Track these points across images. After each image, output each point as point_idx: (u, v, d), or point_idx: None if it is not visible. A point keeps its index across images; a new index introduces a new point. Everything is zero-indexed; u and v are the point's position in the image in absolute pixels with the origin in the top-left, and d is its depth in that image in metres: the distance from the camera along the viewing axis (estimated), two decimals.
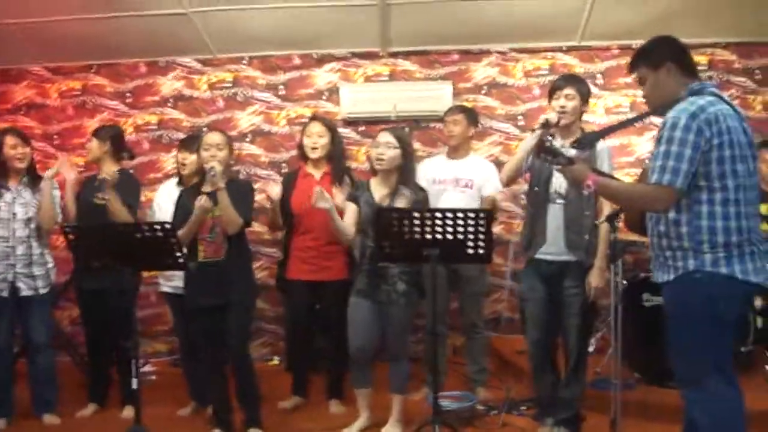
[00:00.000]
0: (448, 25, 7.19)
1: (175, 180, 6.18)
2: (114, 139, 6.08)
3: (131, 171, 6.53)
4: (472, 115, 6.36)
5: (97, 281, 5.45)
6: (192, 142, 5.87)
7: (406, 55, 7.66)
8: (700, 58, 7.39)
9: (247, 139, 7.72)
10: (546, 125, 4.63)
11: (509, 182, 5.48)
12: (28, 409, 5.96)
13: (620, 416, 4.76)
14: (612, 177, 4.32)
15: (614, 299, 4.40)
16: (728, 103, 3.81)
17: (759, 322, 5.74)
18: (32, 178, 5.90)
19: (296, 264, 5.97)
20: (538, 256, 5.16)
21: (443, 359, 6.29)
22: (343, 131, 7.32)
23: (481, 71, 7.65)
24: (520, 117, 7.62)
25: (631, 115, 7.27)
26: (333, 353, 5.91)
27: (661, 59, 3.90)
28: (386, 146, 5.27)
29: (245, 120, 7.78)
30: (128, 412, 5.99)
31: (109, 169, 5.89)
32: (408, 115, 7.24)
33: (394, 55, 7.65)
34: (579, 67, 7.43)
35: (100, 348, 6.16)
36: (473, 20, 7.11)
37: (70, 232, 4.81)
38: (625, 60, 7.20)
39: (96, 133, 6.13)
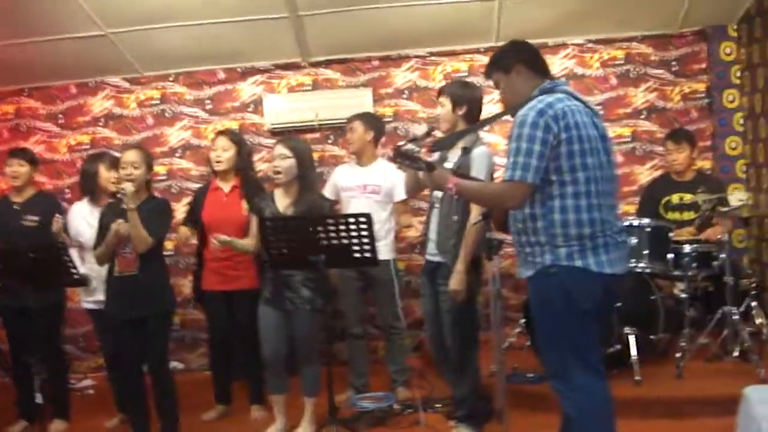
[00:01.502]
0: (365, 32, 7.17)
1: (84, 200, 6.14)
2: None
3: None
4: (369, 121, 6.29)
5: (18, 300, 5.32)
6: (108, 158, 5.87)
7: (328, 63, 7.62)
8: (616, 53, 7.45)
9: (177, 154, 7.70)
10: (414, 139, 4.55)
11: (410, 194, 5.53)
12: None
13: (510, 407, 4.78)
14: (477, 180, 4.30)
15: (493, 294, 4.35)
16: (579, 100, 3.84)
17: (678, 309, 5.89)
18: None
19: (209, 275, 5.98)
20: (426, 256, 5.30)
21: (362, 360, 6.27)
22: (270, 141, 7.33)
23: (402, 76, 7.61)
24: None
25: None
26: (251, 360, 5.85)
27: (511, 62, 3.94)
28: (281, 158, 5.29)
29: (174, 135, 7.75)
30: (57, 426, 6.03)
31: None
32: (330, 122, 7.19)
33: (316, 65, 7.62)
34: None
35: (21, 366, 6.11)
36: (390, 27, 7.08)
37: None
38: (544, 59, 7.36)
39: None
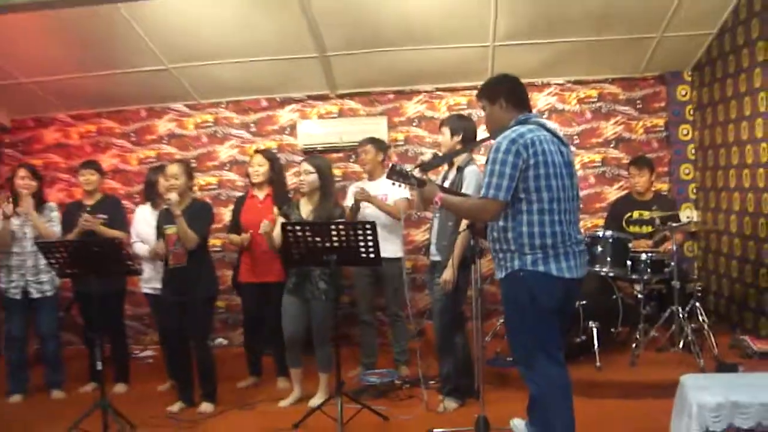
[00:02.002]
0: (383, 71, 7.13)
1: (146, 204, 6.17)
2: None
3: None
4: (379, 144, 6.28)
5: (88, 286, 5.23)
6: (163, 170, 5.84)
7: (351, 96, 7.57)
8: (591, 92, 7.37)
9: (226, 168, 7.68)
10: (422, 163, 4.48)
11: (419, 210, 5.51)
12: (40, 386, 6.01)
13: (491, 386, 4.92)
14: (462, 195, 4.23)
15: (474, 291, 4.29)
16: (549, 131, 3.78)
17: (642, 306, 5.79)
18: (38, 204, 5.88)
19: (245, 270, 5.93)
20: (430, 257, 5.25)
21: (372, 343, 6.22)
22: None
23: (412, 107, 7.54)
24: None
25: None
26: (276, 340, 5.79)
27: (497, 95, 3.90)
28: (305, 172, 5.30)
29: (224, 152, 7.72)
30: (119, 388, 6.03)
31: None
32: (352, 144, 7.11)
33: (342, 96, 7.56)
34: None
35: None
36: (403, 66, 7.03)
37: (41, 248, 4.78)
38: (530, 95, 7.07)
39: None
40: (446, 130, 5.11)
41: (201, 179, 7.70)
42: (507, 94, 3.86)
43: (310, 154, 7.37)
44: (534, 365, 3.69)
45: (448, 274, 4.86)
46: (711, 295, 6.85)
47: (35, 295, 5.81)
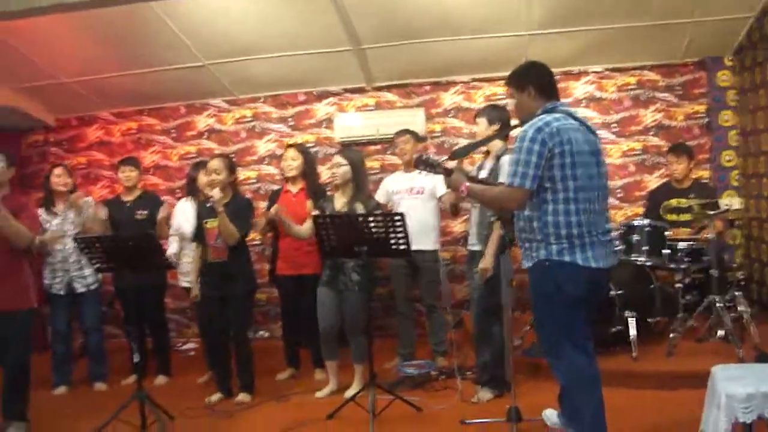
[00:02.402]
0: (419, 62, 7.11)
1: (186, 199, 6.26)
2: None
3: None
4: (415, 135, 6.31)
5: (128, 281, 5.32)
6: (204, 166, 5.90)
7: (388, 88, 7.58)
8: (629, 79, 7.26)
9: (265, 162, 7.76)
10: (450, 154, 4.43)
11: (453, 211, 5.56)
12: (84, 378, 6.17)
13: (526, 376, 5.10)
14: (495, 184, 4.20)
15: (504, 280, 4.28)
16: (577, 119, 3.74)
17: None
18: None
19: (281, 263, 5.99)
20: (468, 247, 5.25)
21: (409, 334, 6.21)
22: None
23: (449, 98, 7.53)
24: None
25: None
26: (314, 332, 5.83)
27: (526, 83, 3.86)
28: (338, 165, 5.31)
29: (263, 147, 7.81)
30: (160, 380, 6.14)
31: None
32: (389, 136, 7.09)
33: (379, 89, 7.59)
34: None
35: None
36: (439, 57, 7.01)
37: (80, 243, 4.88)
38: (568, 84, 7.24)
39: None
40: (483, 121, 5.10)
41: (240, 174, 7.76)
42: (535, 82, 3.82)
43: (347, 147, 7.47)
44: (561, 355, 3.68)
45: (486, 262, 4.83)
46: (754, 284, 6.71)
47: (80, 289, 5.96)
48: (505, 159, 4.85)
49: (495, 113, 5.09)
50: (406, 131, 6.28)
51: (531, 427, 4.28)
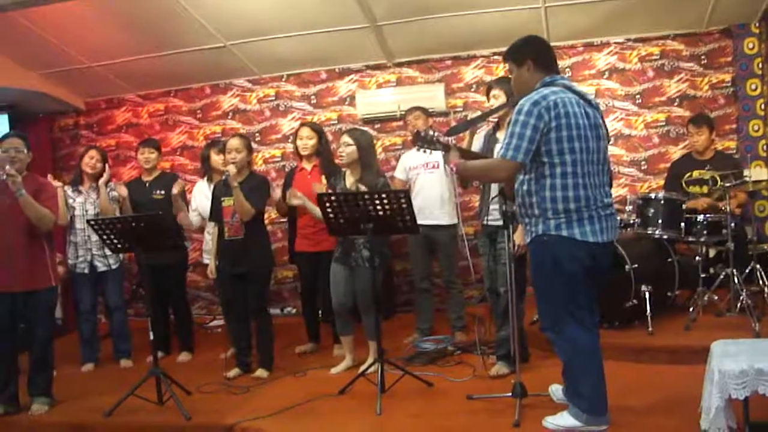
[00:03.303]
0: (439, 37, 7.04)
1: (203, 179, 6.33)
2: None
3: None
4: (427, 111, 6.29)
5: (149, 258, 5.36)
6: (220, 145, 5.94)
7: (409, 64, 7.55)
8: (652, 49, 7.10)
9: (290, 140, 7.70)
10: (418, 138, 4.17)
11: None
12: (110, 356, 6.28)
13: (539, 350, 5.05)
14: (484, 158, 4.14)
15: (508, 255, 4.22)
16: (577, 93, 3.70)
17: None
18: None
19: (300, 240, 6.01)
20: (486, 221, 5.00)
21: (428, 309, 6.23)
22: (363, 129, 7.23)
23: (470, 73, 7.46)
24: None
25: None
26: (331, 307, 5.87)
27: (524, 57, 3.81)
28: (345, 145, 5.29)
29: (286, 125, 7.83)
30: (183, 357, 6.24)
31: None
32: None
33: (400, 65, 7.55)
34: None
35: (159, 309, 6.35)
36: (458, 32, 6.92)
37: (93, 225, 4.96)
38: (590, 55, 7.11)
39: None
40: (500, 93, 4.92)
41: (265, 152, 7.87)
42: (534, 56, 3.77)
43: (370, 124, 7.48)
44: (561, 330, 3.66)
45: (520, 237, 4.62)
46: None
47: (102, 268, 6.05)
48: None
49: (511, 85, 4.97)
50: (417, 108, 6.28)
51: (537, 402, 4.24)
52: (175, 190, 6.08)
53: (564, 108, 3.52)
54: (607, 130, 3.83)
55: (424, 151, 4.07)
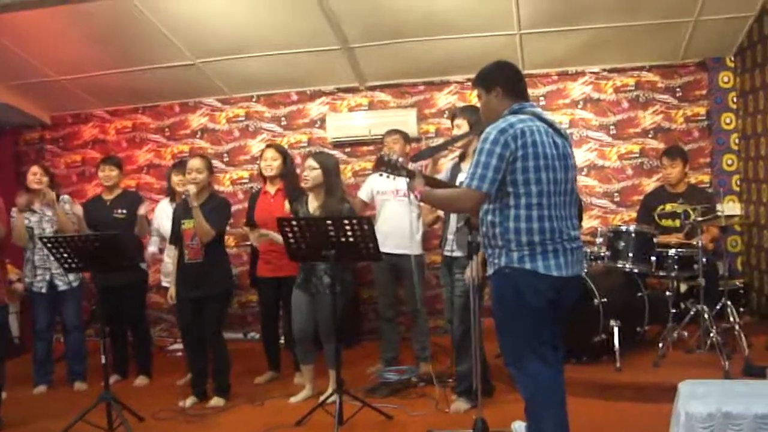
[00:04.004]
0: (412, 61, 6.95)
1: (166, 199, 6.18)
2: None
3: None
4: (406, 136, 6.14)
5: (105, 280, 5.19)
6: (182, 166, 5.81)
7: (381, 88, 7.44)
8: (628, 80, 7.05)
9: (258, 161, 7.54)
10: (381, 162, 4.01)
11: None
12: (65, 378, 6.07)
13: (503, 384, 4.83)
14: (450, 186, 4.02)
15: (472, 287, 4.10)
16: (545, 121, 3.55)
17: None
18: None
19: (262, 264, 5.87)
20: (444, 252, 4.95)
21: (392, 338, 6.07)
22: (333, 152, 7.09)
23: (443, 99, 7.37)
24: None
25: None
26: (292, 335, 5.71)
27: (493, 84, 3.66)
28: (309, 168, 5.16)
29: (256, 146, 7.67)
30: (140, 381, 6.07)
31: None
32: (381, 136, 6.90)
33: (372, 88, 7.45)
34: None
35: (117, 331, 6.22)
36: (432, 57, 6.84)
37: (47, 243, 4.78)
38: (564, 84, 7.05)
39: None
40: (463, 123, 4.86)
41: (233, 173, 7.72)
42: (503, 82, 3.62)
43: (340, 147, 7.36)
44: (522, 366, 3.49)
45: (477, 269, 4.55)
46: (754, 293, 6.46)
47: (62, 287, 5.86)
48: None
49: (475, 114, 4.84)
50: (396, 131, 6.14)
51: None
52: (141, 212, 5.91)
53: (531, 137, 3.38)
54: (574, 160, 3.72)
55: (387, 177, 3.93)
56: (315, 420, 4.71)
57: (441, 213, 5.26)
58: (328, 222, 4.46)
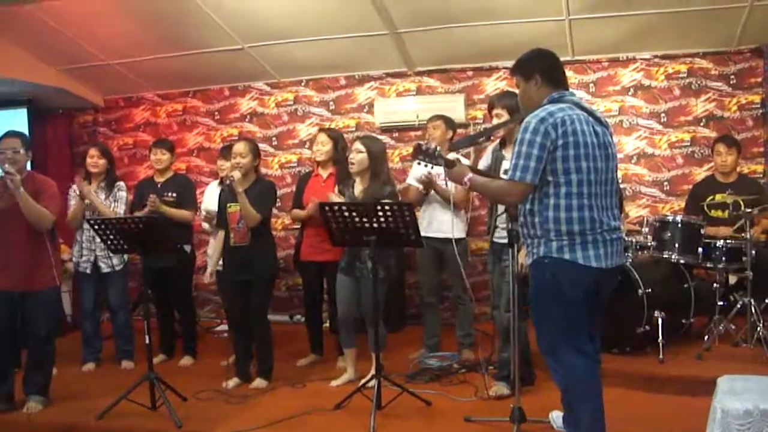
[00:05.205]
0: (461, 47, 6.91)
1: (215, 182, 6.28)
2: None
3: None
4: (449, 121, 6.06)
5: (151, 260, 5.30)
6: (228, 151, 5.89)
7: (430, 73, 7.43)
8: (680, 67, 6.90)
9: (306, 146, 7.68)
10: (419, 151, 4.00)
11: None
12: (113, 356, 6.23)
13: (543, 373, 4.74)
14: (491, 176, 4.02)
15: (511, 276, 4.10)
16: (586, 110, 3.54)
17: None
18: (108, 183, 6.05)
19: (306, 248, 5.92)
20: (494, 238, 4.93)
21: (434, 324, 6.07)
22: (381, 137, 7.08)
23: (492, 84, 7.32)
24: None
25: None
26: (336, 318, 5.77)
27: (532, 72, 3.65)
28: (356, 152, 5.20)
29: (304, 130, 7.76)
30: (185, 361, 6.18)
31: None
32: None
33: (420, 73, 7.44)
34: (574, 78, 6.92)
35: (164, 312, 6.38)
36: (481, 42, 6.80)
37: (93, 225, 4.91)
38: (615, 70, 6.94)
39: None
40: (502, 112, 4.85)
41: (282, 157, 7.80)
42: (542, 70, 3.61)
43: (388, 132, 7.38)
44: (558, 356, 3.50)
45: (524, 257, 4.56)
46: None
47: (105, 269, 6.00)
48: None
49: (513, 100, 4.79)
50: (440, 116, 6.08)
51: (536, 429, 4.11)
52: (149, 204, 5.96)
53: (572, 125, 3.37)
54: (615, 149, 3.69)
55: (425, 166, 3.94)
56: (354, 404, 4.75)
57: (473, 193, 5.26)
58: (370, 207, 4.49)
